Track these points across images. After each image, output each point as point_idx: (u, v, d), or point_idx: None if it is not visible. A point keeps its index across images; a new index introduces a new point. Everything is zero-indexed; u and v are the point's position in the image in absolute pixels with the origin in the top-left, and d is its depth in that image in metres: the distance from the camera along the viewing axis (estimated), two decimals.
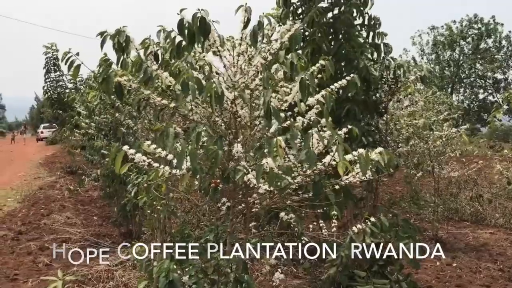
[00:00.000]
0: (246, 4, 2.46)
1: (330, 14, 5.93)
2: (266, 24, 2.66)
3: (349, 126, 2.98)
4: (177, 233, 3.41)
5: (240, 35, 2.54)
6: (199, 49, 2.59)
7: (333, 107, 5.50)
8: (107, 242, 7.09)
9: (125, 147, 2.44)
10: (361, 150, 2.47)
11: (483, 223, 8.81)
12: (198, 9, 2.35)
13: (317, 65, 2.75)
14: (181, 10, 2.38)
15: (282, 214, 2.88)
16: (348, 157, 2.43)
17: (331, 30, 5.83)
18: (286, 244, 5.40)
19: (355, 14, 5.87)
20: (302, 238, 3.18)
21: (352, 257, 4.01)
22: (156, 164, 2.47)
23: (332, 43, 5.79)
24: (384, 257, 4.95)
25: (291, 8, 5.93)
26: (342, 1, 5.79)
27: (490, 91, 26.66)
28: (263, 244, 3.13)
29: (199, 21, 2.34)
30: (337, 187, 2.87)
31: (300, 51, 5.87)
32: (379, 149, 2.54)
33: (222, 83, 2.30)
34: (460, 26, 26.72)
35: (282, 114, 2.61)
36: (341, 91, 3.06)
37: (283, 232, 4.75)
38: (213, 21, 2.39)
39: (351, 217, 6.26)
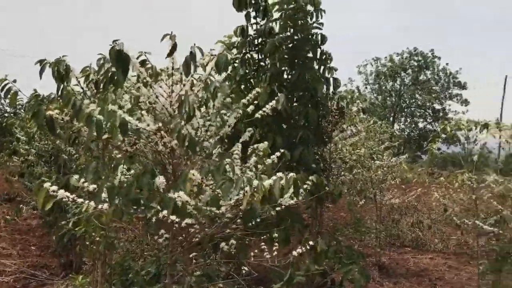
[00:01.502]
0: (172, 32, 2.48)
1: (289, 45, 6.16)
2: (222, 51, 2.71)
3: (282, 151, 3.02)
4: (117, 265, 3.32)
5: (172, 65, 2.56)
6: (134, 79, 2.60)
7: (287, 133, 5.69)
8: (45, 274, 6.76)
9: (47, 184, 2.37)
10: (279, 174, 2.50)
11: (423, 249, 9.12)
12: (114, 41, 2.35)
13: (253, 92, 2.82)
14: (114, 41, 2.37)
15: (223, 243, 2.87)
16: (267, 182, 2.46)
17: (290, 60, 6.02)
18: (233, 273, 5.37)
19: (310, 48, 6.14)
20: (242, 268, 3.17)
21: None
22: (80, 200, 2.41)
23: (291, 72, 5.99)
24: (328, 284, 5.05)
25: (248, 38, 6.08)
26: (300, 35, 6.00)
27: (429, 120, 27.99)
28: (205, 274, 3.10)
29: (116, 53, 2.34)
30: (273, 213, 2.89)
31: (253, 79, 6.06)
32: (290, 174, 2.60)
33: (145, 114, 2.30)
34: (401, 58, 28.04)
35: (212, 140, 2.61)
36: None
37: (229, 261, 4.72)
38: (145, 52, 2.40)
39: (297, 243, 6.30)
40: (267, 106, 2.89)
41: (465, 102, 27.76)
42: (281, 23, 5.93)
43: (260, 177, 2.40)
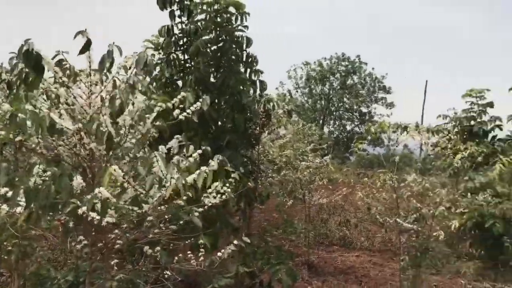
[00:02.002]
0: (86, 30, 2.39)
1: (214, 47, 6.09)
2: (143, 53, 2.63)
3: (204, 148, 3.01)
4: (31, 275, 3.14)
5: (89, 65, 2.47)
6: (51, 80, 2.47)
7: (215, 136, 5.63)
8: None
9: None
10: (202, 168, 2.50)
11: (350, 247, 9.41)
12: (25, 41, 2.24)
13: (179, 96, 2.78)
14: (26, 41, 2.25)
15: (146, 248, 2.80)
16: (191, 177, 2.46)
17: (215, 62, 5.96)
18: (161, 278, 5.26)
19: (235, 50, 6.12)
20: (166, 273, 3.11)
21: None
22: None
23: (216, 75, 5.93)
24: (257, 285, 5.09)
25: (173, 38, 5.96)
26: (224, 37, 5.96)
27: (356, 123, 29.09)
28: (129, 280, 3.01)
29: (27, 54, 2.23)
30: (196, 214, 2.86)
31: (180, 81, 5.95)
32: (213, 162, 2.61)
33: (65, 115, 2.21)
34: (329, 62, 28.95)
35: (134, 140, 2.55)
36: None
37: (157, 266, 4.63)
38: (62, 52, 2.30)
39: (226, 246, 6.30)
40: (191, 108, 2.86)
41: (390, 105, 29.13)
42: (205, 24, 5.86)
43: (182, 172, 2.37)
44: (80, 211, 2.17)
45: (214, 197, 2.86)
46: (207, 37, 5.90)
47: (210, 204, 2.85)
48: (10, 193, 2.25)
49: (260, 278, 5.07)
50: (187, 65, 5.97)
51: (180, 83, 6.02)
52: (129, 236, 2.62)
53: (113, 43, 2.43)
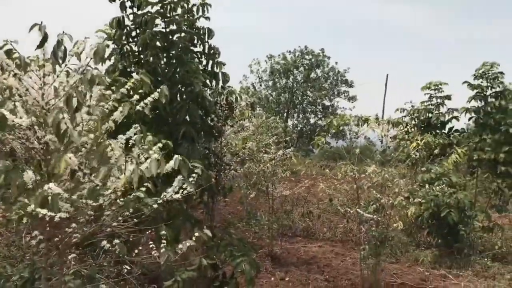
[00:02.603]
0: (42, 22, 2.33)
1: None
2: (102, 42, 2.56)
3: (164, 141, 2.98)
4: None
5: (43, 55, 2.40)
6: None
7: (170, 129, 5.55)
8: None
9: None
10: (154, 155, 2.49)
11: (313, 237, 9.54)
12: None
13: (132, 80, 2.74)
14: None
15: (104, 242, 2.76)
16: (144, 165, 2.44)
17: (165, 54, 5.86)
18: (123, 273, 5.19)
19: (196, 41, 6.04)
20: (125, 267, 3.08)
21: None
22: None
23: (166, 67, 5.83)
24: (220, 277, 5.10)
25: (125, 30, 5.84)
26: (178, 27, 5.87)
27: (319, 116, 29.36)
28: (86, 275, 2.96)
29: None
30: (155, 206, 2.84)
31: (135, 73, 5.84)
32: (174, 157, 2.60)
33: (19, 107, 2.14)
34: (293, 56, 29.06)
35: (92, 135, 2.50)
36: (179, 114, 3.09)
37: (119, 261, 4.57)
38: (10, 42, 2.22)
39: (188, 239, 6.28)
40: (148, 98, 2.82)
41: (352, 99, 29.53)
42: (156, 15, 5.76)
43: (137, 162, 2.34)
44: (29, 209, 2.11)
45: (176, 192, 2.84)
46: (155, 29, 5.82)
47: (171, 198, 2.82)
48: None
49: (223, 270, 5.08)
50: (141, 56, 5.87)
51: (134, 75, 5.92)
52: (87, 230, 2.57)
53: (63, 32, 2.36)
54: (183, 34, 5.88)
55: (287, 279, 6.90)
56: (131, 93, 2.82)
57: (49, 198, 2.08)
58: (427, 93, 11.50)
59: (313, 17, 51.28)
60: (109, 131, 2.80)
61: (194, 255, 4.52)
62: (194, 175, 2.94)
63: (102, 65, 2.68)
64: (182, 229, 5.29)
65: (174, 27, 5.88)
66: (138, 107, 2.71)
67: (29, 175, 2.20)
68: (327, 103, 29.39)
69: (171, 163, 2.55)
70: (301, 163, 11.86)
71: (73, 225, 2.48)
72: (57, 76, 2.43)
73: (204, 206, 6.36)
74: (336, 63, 29.34)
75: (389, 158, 6.86)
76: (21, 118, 2.38)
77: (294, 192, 8.89)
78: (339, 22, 50.05)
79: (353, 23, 51.65)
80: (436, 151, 7.13)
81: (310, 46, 28.99)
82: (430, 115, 11.16)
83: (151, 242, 3.51)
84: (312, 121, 29.35)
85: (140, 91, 2.89)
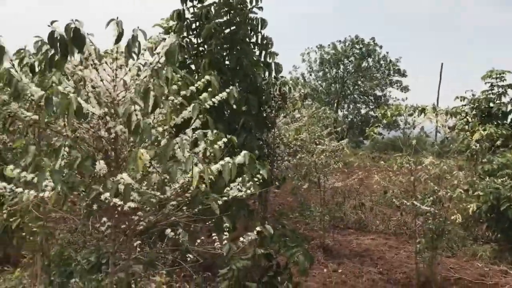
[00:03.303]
0: (117, 18, 2.40)
1: (227, 30, 6.04)
2: (149, 38, 2.61)
3: (229, 136, 3.00)
4: (55, 256, 3.20)
5: (116, 49, 2.47)
6: (75, 61, 2.48)
7: (229, 120, 5.61)
8: None
9: None
10: (227, 159, 2.51)
11: (365, 230, 9.43)
12: (72, 20, 2.26)
13: (202, 80, 2.78)
14: (52, 22, 2.26)
15: (168, 230, 2.84)
16: (215, 167, 2.46)
17: (228, 45, 5.91)
18: (179, 260, 5.32)
19: (249, 32, 6.06)
20: (187, 255, 3.16)
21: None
22: (19, 189, 2.29)
23: (229, 58, 5.88)
24: (274, 267, 5.13)
25: (186, 22, 5.93)
26: (238, 19, 5.91)
27: (371, 107, 28.81)
28: (148, 261, 3.06)
29: (73, 32, 2.25)
30: (224, 198, 2.88)
31: (193, 65, 5.93)
32: (243, 152, 2.61)
33: (92, 98, 2.22)
34: (344, 45, 28.62)
35: (160, 129, 2.57)
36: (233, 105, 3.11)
37: (175, 249, 4.69)
38: (87, 34, 2.31)
39: (242, 229, 6.35)
40: (216, 97, 2.86)
41: (405, 89, 28.76)
42: (216, 7, 5.81)
43: (207, 162, 2.38)
44: (102, 197, 2.19)
45: (239, 190, 2.87)
46: (219, 20, 5.87)
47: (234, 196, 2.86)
48: (30, 176, 2.27)
49: (277, 260, 5.11)
50: (200, 48, 5.96)
51: (193, 67, 6.00)
52: (152, 218, 2.65)
53: (138, 27, 2.43)
54: (237, 25, 5.92)
55: (340, 271, 6.85)
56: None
57: (121, 188, 2.14)
58: (488, 82, 10.99)
59: (363, 4, 50.09)
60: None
61: (247, 244, 4.58)
62: (258, 175, 2.94)
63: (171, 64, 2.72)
64: (236, 218, 5.37)
65: (234, 18, 5.92)
66: (206, 105, 2.74)
67: (101, 165, 2.29)
68: (378, 93, 28.79)
69: (240, 158, 2.56)
70: (354, 155, 11.67)
71: (139, 213, 2.57)
72: (129, 70, 2.50)
73: (257, 197, 6.40)
74: (387, 52, 28.63)
75: (447, 149, 6.63)
76: (93, 108, 2.47)
77: (347, 184, 8.78)
78: (390, 9, 48.60)
79: (404, 10, 50.00)
80: (498, 142, 6.82)
81: (360, 35, 28.40)
82: (492, 104, 10.67)
83: (209, 232, 3.58)
84: (363, 111, 28.85)
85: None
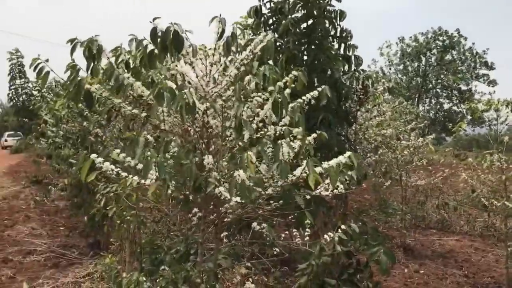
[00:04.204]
0: (220, 15, 2.46)
1: (303, 25, 6.00)
2: (239, 34, 2.66)
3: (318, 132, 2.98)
4: (146, 243, 3.36)
5: (214, 46, 2.54)
6: (171, 58, 2.57)
7: (308, 115, 5.59)
8: (74, 253, 6.92)
9: (93, 155, 2.39)
10: (332, 162, 2.49)
11: (448, 230, 9.03)
12: (171, 23, 2.35)
13: (290, 75, 2.78)
14: (154, 19, 2.36)
15: (254, 224, 2.88)
16: (318, 169, 2.45)
17: (305, 40, 5.87)
18: (257, 253, 5.39)
19: (327, 25, 5.97)
20: (272, 249, 3.18)
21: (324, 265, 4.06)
22: (124, 174, 2.43)
23: (306, 53, 5.84)
24: (354, 265, 5.04)
25: (262, 18, 5.97)
26: (315, 12, 5.84)
27: (455, 102, 27.47)
28: (233, 253, 3.12)
29: (173, 34, 2.33)
30: (308, 197, 2.88)
31: (271, 61, 5.94)
32: (348, 153, 2.57)
33: (193, 94, 2.29)
34: (426, 38, 27.46)
35: (254, 125, 2.61)
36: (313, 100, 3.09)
37: (254, 242, 4.75)
38: (186, 31, 2.38)
39: (321, 225, 6.31)
40: (307, 95, 2.88)
41: (493, 83, 27.07)
42: (293, 2, 5.75)
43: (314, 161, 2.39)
44: (216, 190, 2.27)
45: (326, 189, 2.85)
46: (296, 15, 5.82)
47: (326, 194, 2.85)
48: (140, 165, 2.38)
49: (357, 258, 5.02)
50: (277, 44, 5.95)
51: (270, 62, 6.01)
52: (240, 211, 2.71)
53: (236, 24, 2.48)
54: (316, 19, 5.84)
55: (421, 271, 6.61)
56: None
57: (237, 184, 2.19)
58: None
59: None
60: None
61: (327, 241, 4.54)
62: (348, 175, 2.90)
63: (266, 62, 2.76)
64: (316, 214, 5.33)
65: (310, 12, 5.86)
66: (300, 100, 2.75)
67: (209, 160, 2.37)
68: (463, 87, 27.34)
69: (341, 158, 2.55)
70: (437, 151, 11.19)
71: (226, 205, 2.63)
72: (221, 66, 2.57)
73: (336, 194, 6.31)
74: (473, 43, 27.08)
75: None
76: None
77: (430, 182, 8.43)
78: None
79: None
80: None
81: (444, 27, 27.10)
82: None
83: (286, 227, 3.59)
84: (446, 106, 27.56)
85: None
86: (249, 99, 2.64)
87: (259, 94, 2.64)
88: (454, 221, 9.23)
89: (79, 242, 7.56)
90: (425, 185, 8.61)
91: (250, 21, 6.23)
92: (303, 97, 2.83)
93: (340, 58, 5.91)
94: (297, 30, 5.78)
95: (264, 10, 6.02)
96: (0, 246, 7.31)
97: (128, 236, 4.16)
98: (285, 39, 5.67)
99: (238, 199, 2.32)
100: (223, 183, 2.40)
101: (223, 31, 2.47)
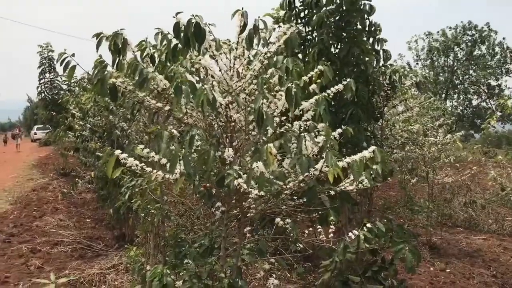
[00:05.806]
0: (242, 8, 2.43)
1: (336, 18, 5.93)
2: (262, 28, 2.63)
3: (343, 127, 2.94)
4: (171, 237, 3.38)
5: (237, 39, 2.52)
6: (195, 52, 2.56)
7: (336, 110, 5.51)
8: (100, 245, 7.04)
9: (117, 151, 2.40)
10: (355, 156, 2.44)
11: (476, 229, 8.85)
12: (193, 15, 2.33)
13: (315, 70, 2.74)
14: (177, 13, 2.35)
15: (278, 219, 2.86)
16: (340, 163, 2.41)
17: (339, 33, 5.78)
18: (280, 249, 5.37)
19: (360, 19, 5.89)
20: (295, 245, 3.16)
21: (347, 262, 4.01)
22: (148, 169, 2.44)
23: (339, 46, 5.75)
24: (379, 262, 4.97)
25: (294, 11, 5.92)
26: (346, 6, 5.75)
27: (483, 98, 26.83)
28: (257, 249, 3.11)
29: (194, 27, 2.32)
30: (332, 193, 2.84)
31: (300, 54, 5.89)
32: (372, 147, 2.51)
33: (216, 87, 2.28)
34: (454, 32, 26.88)
35: (277, 119, 2.58)
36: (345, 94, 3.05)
37: (277, 237, 4.74)
38: (209, 24, 2.37)
39: (346, 221, 6.24)
40: (331, 89, 2.83)
41: None
42: None
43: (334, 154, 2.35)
44: (235, 182, 2.26)
45: (351, 184, 2.81)
46: (329, 8, 5.74)
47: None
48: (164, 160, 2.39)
49: (382, 256, 4.95)
50: (308, 37, 5.88)
51: (300, 56, 5.95)
52: (263, 206, 2.69)
53: (259, 17, 2.46)
54: (348, 13, 5.75)
55: (448, 270, 6.49)
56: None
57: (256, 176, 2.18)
58: None
59: None
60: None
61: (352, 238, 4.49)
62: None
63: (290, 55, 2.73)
64: (340, 211, 5.27)
65: (342, 5, 5.77)
66: (319, 96, 2.71)
67: (229, 153, 2.36)
68: (493, 82, 26.67)
69: (365, 153, 2.50)
70: (465, 148, 10.95)
71: (249, 200, 2.61)
72: (245, 60, 2.55)
73: (362, 190, 6.22)
74: (504, 38, 26.36)
75: None
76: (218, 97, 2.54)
77: (457, 179, 8.25)
78: None
79: None
80: None
81: (475, 21, 26.45)
82: None
83: (310, 223, 3.55)
84: (474, 102, 26.96)
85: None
86: (272, 93, 2.61)
87: (282, 88, 2.61)
88: (482, 219, 9.03)
89: (105, 234, 7.69)
90: (452, 183, 8.44)
91: (282, 13, 6.18)
92: (328, 91, 2.78)
93: (373, 53, 5.81)
94: (331, 22, 5.70)
95: (297, 3, 5.98)
96: (29, 237, 7.48)
97: (153, 229, 4.18)
98: (320, 31, 5.58)
99: (257, 191, 2.30)
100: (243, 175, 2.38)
101: (245, 24, 2.44)
